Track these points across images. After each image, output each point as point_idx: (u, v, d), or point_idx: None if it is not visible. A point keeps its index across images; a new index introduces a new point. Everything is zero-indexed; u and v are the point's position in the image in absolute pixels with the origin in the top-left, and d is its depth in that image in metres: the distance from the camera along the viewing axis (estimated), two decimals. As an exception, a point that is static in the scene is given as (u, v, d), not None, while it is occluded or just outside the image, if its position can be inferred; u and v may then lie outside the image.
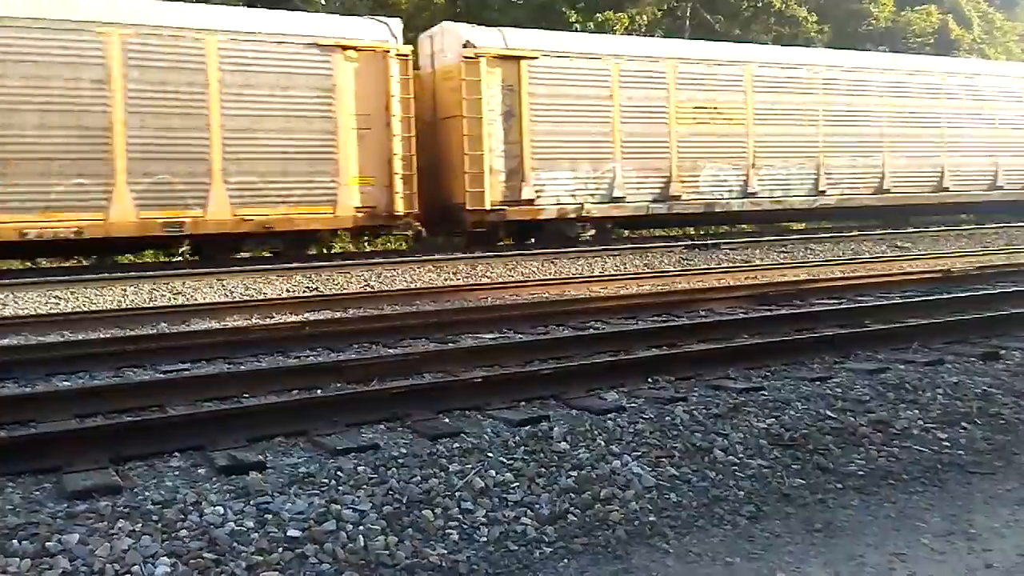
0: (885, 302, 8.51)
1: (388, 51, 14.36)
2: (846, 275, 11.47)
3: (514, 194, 15.41)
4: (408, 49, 14.97)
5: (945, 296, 8.66)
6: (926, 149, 19.97)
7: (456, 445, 3.94)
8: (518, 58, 15.43)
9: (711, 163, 17.24)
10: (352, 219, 14.28)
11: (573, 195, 15.93)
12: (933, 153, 20.09)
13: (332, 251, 16.41)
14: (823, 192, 18.47)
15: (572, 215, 15.98)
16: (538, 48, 15.74)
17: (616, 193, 16.31)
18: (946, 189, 20.20)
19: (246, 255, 14.05)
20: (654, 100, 16.72)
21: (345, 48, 14.01)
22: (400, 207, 14.39)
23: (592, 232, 16.37)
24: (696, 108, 17.17)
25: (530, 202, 15.52)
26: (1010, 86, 21.46)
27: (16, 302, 10.13)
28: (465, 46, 15.12)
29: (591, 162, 16.11)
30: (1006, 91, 21.31)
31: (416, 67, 15.57)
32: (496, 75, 15.25)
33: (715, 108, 17.30)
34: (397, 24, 14.90)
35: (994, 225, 19.83)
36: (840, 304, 8.64)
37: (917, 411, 4.54)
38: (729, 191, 17.45)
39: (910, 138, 19.67)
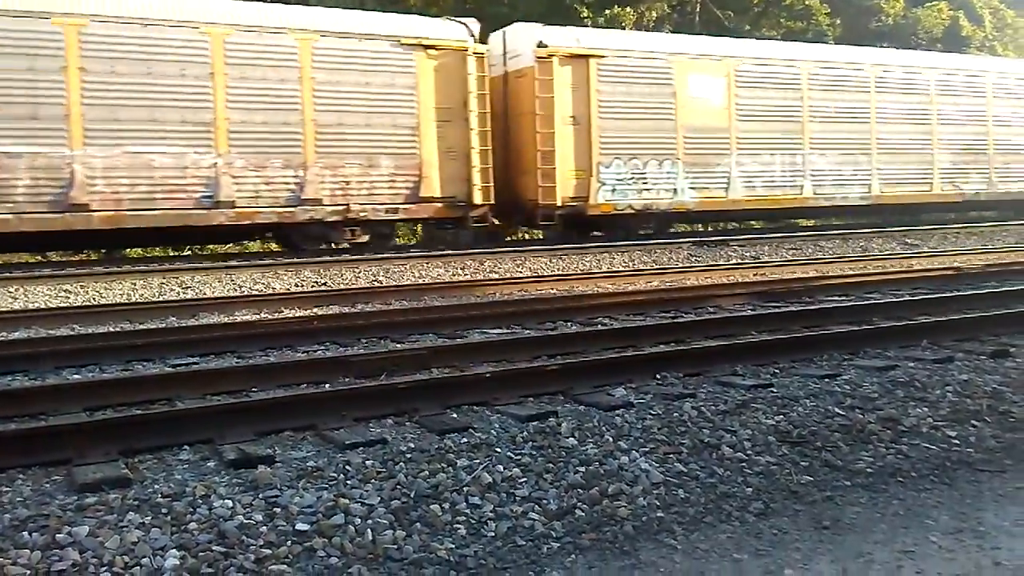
0: (894, 299, 8.48)
1: None
2: (855, 272, 11.44)
3: None
4: None
5: (955, 293, 8.63)
6: (279, 144, 13.68)
7: (464, 440, 3.95)
8: None
9: None
10: None
11: None
12: (291, 148, 13.74)
13: (341, 246, 16.37)
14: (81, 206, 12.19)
15: None
16: None
17: None
18: (321, 202, 13.90)
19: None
20: None
21: None
22: None
23: None
24: None
25: None
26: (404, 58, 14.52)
27: (27, 295, 10.20)
28: None
29: None
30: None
31: None
32: None
33: None
34: None
35: (1004, 223, 19.67)
36: (849, 301, 8.62)
37: (926, 409, 4.53)
38: None
39: (250, 126, 13.53)
